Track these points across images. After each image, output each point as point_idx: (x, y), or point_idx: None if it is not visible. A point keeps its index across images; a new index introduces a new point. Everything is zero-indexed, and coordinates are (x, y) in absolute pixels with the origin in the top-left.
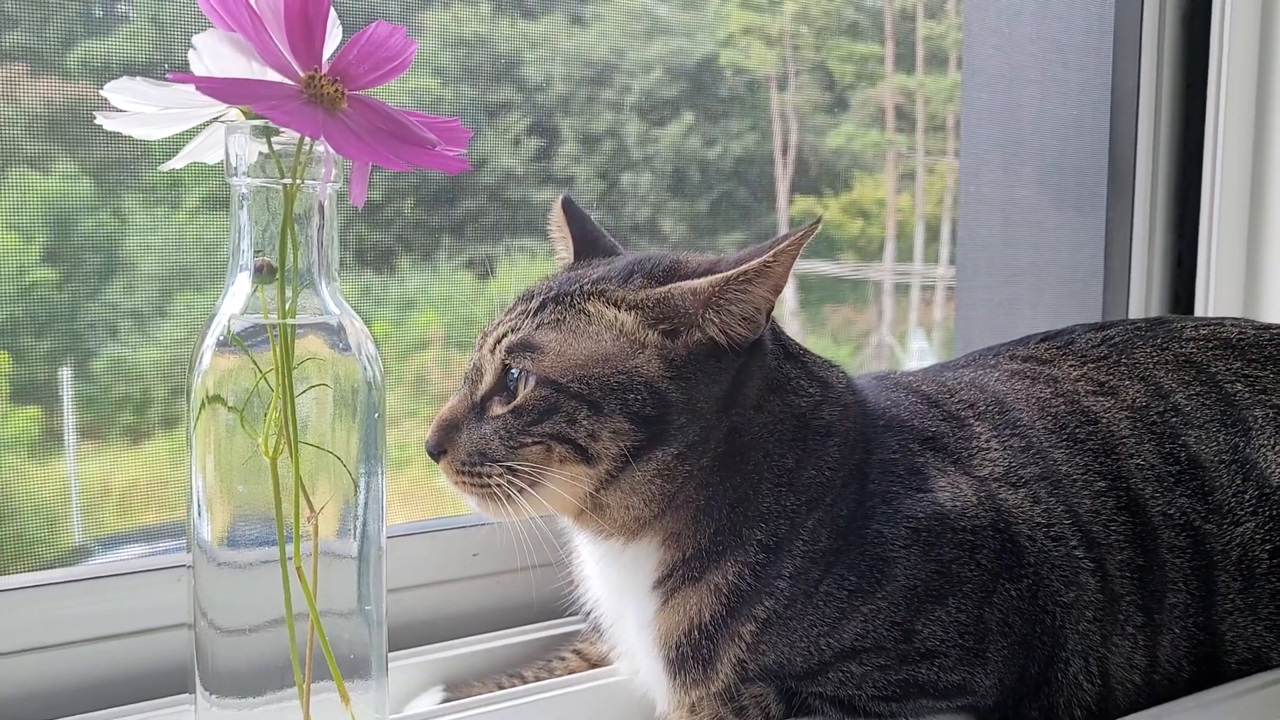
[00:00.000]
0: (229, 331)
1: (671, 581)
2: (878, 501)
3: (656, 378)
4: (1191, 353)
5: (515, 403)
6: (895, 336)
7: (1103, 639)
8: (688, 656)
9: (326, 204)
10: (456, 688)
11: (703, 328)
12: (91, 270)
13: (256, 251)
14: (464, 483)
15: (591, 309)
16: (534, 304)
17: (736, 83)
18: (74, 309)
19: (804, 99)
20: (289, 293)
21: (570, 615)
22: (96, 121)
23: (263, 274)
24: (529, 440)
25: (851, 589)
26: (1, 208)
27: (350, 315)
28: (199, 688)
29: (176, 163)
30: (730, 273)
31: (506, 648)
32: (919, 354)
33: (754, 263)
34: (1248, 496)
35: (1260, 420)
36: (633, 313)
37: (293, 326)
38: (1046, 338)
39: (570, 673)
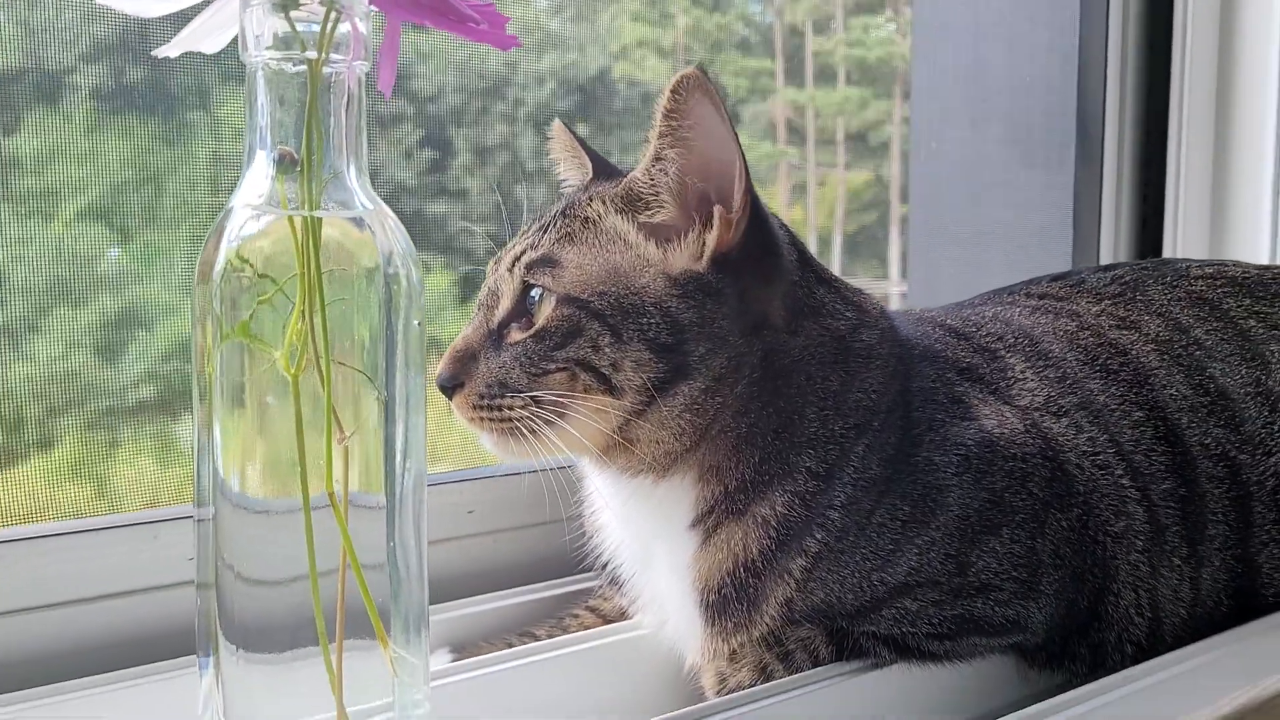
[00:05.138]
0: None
1: (713, 518)
2: (924, 429)
3: (664, 296)
4: (1202, 290)
5: (537, 326)
6: None
7: (1152, 570)
8: (731, 599)
9: (354, 86)
10: (464, 649)
11: (675, 236)
12: None
13: (278, 142)
14: (482, 417)
15: (592, 212)
16: (546, 219)
17: (631, 95)
18: None
19: None
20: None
21: (580, 573)
22: None
23: (284, 164)
24: (553, 366)
25: (905, 519)
26: None
27: (384, 210)
28: (222, 643)
29: (171, 50)
30: (648, 151)
31: (514, 607)
32: None
33: (652, 132)
34: (1277, 427)
35: (1277, 354)
36: (623, 216)
37: (319, 221)
38: (1056, 278)
39: (584, 629)
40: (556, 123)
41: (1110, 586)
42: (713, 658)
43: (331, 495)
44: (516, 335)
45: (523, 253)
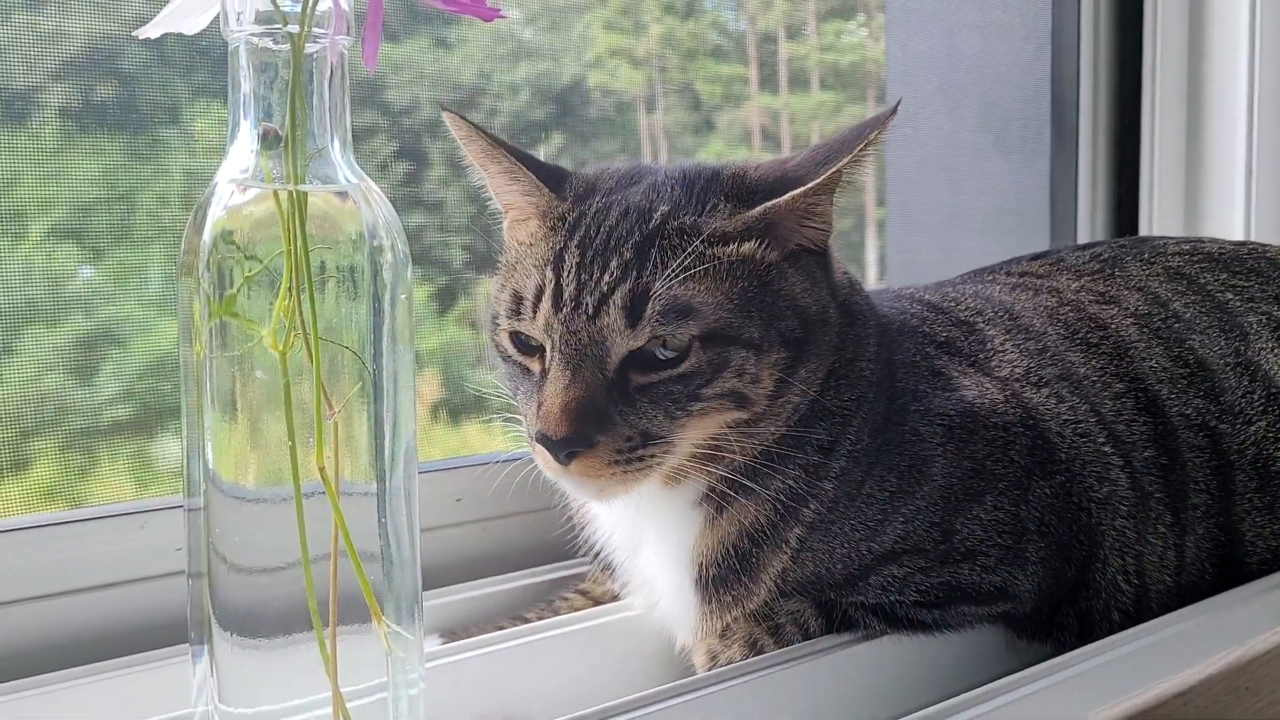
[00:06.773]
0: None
1: (724, 495)
2: (909, 400)
3: (798, 295)
4: (1179, 266)
5: (681, 369)
6: None
7: (1137, 536)
8: (732, 569)
9: (337, 61)
10: (455, 635)
11: (791, 237)
12: None
13: (261, 119)
14: (619, 473)
15: (709, 252)
16: (627, 252)
17: (605, 104)
18: None
19: (672, 119)
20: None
21: (567, 559)
22: None
23: (268, 140)
24: (696, 406)
25: (892, 490)
26: None
27: (369, 185)
28: (215, 631)
29: (151, 30)
30: (822, 177)
31: (504, 593)
32: None
33: (843, 160)
34: (1256, 397)
35: (1255, 326)
36: (748, 242)
37: (304, 195)
38: (1035, 257)
39: (575, 612)
40: (457, 119)
41: (1097, 553)
42: (705, 635)
43: (322, 470)
44: (645, 378)
45: (633, 296)
